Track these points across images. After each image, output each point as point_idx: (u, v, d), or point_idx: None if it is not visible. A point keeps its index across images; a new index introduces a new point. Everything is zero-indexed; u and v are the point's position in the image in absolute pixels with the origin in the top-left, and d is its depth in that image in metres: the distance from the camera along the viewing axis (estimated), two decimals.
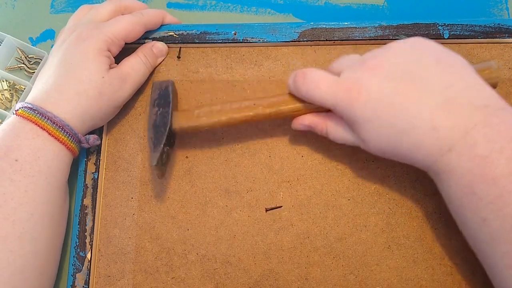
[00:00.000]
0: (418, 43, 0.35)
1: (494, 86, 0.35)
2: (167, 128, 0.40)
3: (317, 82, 0.36)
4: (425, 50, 0.35)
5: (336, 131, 0.38)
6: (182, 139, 0.45)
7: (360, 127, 0.35)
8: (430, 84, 0.33)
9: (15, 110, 0.39)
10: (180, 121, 0.41)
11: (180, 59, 0.47)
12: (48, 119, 0.38)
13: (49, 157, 0.38)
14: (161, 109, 0.41)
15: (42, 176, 0.38)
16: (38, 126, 0.38)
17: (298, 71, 0.38)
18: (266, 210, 0.42)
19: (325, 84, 0.36)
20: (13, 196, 0.36)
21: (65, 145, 0.39)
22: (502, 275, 0.31)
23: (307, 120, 0.39)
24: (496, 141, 0.30)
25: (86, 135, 0.42)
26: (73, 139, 0.40)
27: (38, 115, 0.38)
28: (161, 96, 0.42)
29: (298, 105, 0.39)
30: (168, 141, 0.40)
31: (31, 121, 0.38)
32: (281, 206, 0.42)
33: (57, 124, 0.38)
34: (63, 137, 0.39)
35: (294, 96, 0.39)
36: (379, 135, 0.34)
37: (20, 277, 0.36)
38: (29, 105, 0.38)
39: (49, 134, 0.38)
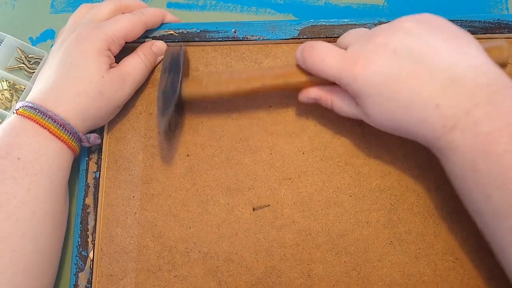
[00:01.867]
0: (426, 19, 0.35)
1: (503, 65, 0.35)
2: (176, 95, 0.40)
3: (324, 56, 0.37)
4: (433, 26, 0.35)
5: (340, 104, 0.39)
6: (183, 136, 0.45)
7: (363, 101, 0.35)
8: (436, 62, 0.33)
9: (16, 109, 0.39)
10: (189, 89, 0.41)
11: None
12: (49, 117, 0.38)
13: (51, 155, 0.38)
14: (171, 75, 0.41)
15: (44, 174, 0.38)
16: (39, 124, 0.38)
17: (306, 44, 0.38)
18: (254, 209, 0.43)
19: (331, 57, 0.36)
20: (16, 195, 0.36)
21: (66, 144, 0.39)
22: (508, 251, 0.31)
23: (313, 93, 0.40)
24: (498, 119, 0.30)
25: (86, 134, 0.42)
26: (74, 137, 0.40)
27: (39, 113, 0.38)
28: (172, 63, 0.42)
29: (305, 77, 0.39)
30: (177, 107, 0.41)
31: (32, 120, 0.38)
32: (269, 205, 0.43)
33: (58, 123, 0.38)
34: (64, 135, 0.39)
35: (301, 69, 0.39)
36: (383, 110, 0.34)
37: (23, 276, 0.36)
38: (30, 104, 0.38)
39: (50, 132, 0.38)
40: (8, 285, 0.35)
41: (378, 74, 0.34)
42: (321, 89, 0.40)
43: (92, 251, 0.43)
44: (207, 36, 0.46)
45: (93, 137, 0.42)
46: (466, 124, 0.31)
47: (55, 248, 0.40)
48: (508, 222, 0.30)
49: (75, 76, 0.40)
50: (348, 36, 0.39)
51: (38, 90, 0.40)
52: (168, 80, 0.41)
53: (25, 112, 0.38)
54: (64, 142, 0.39)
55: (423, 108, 0.32)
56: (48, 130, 0.38)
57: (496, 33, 0.43)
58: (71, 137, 0.40)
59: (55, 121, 0.38)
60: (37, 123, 0.38)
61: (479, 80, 0.32)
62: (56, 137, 0.39)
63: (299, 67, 0.40)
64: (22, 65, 0.52)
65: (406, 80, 0.33)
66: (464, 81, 0.32)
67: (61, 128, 0.39)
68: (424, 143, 0.35)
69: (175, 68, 0.41)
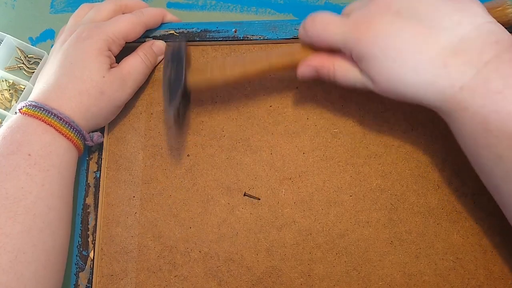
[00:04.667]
0: None
1: (507, 24, 0.35)
2: (182, 83, 0.39)
3: (326, 23, 0.36)
4: None
5: (344, 71, 0.37)
6: (183, 136, 0.45)
7: (369, 65, 0.34)
8: (440, 22, 0.32)
9: (19, 109, 0.39)
10: (195, 77, 0.40)
11: None
12: (54, 115, 0.38)
13: (60, 152, 0.38)
14: (174, 66, 0.41)
15: (55, 170, 0.38)
16: (45, 122, 0.38)
17: (308, 16, 0.38)
18: (244, 194, 0.43)
19: (334, 24, 0.36)
20: (31, 190, 0.36)
21: (72, 142, 0.39)
22: None
23: (314, 61, 0.38)
24: (509, 76, 0.30)
25: (89, 133, 0.42)
26: (79, 135, 0.40)
27: (44, 112, 0.38)
28: (174, 55, 0.41)
29: (310, 53, 0.38)
30: (184, 97, 0.40)
31: (37, 118, 0.38)
32: (259, 199, 0.43)
33: (63, 121, 0.38)
34: (70, 133, 0.39)
35: (306, 46, 0.39)
36: (389, 73, 0.33)
37: (44, 272, 0.36)
38: (34, 103, 0.38)
39: (56, 130, 0.38)
40: (31, 280, 0.35)
41: (383, 35, 0.33)
42: (323, 56, 0.38)
43: (93, 250, 0.43)
44: (207, 36, 0.46)
45: (96, 135, 0.43)
46: (476, 82, 0.30)
47: (68, 244, 0.40)
48: None
49: (76, 76, 0.40)
50: (349, 7, 0.39)
51: (40, 89, 0.40)
52: (172, 71, 0.41)
53: (29, 111, 0.38)
54: (70, 140, 0.39)
55: (431, 68, 0.32)
56: (54, 127, 0.38)
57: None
58: (76, 135, 0.40)
59: (60, 119, 0.38)
60: (42, 121, 0.38)
61: (486, 38, 0.31)
62: (63, 134, 0.39)
63: (303, 45, 0.39)
64: (22, 65, 0.52)
65: (412, 40, 0.32)
66: (471, 39, 0.31)
67: (66, 125, 0.39)
68: (432, 107, 0.34)
69: (177, 59, 0.41)
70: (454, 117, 0.33)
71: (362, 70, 0.36)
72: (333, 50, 0.37)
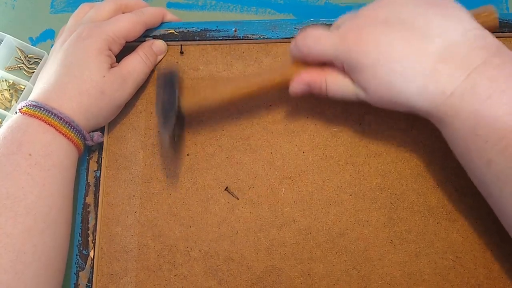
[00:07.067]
0: None
1: (493, 28, 0.35)
2: (176, 104, 0.39)
3: (317, 37, 0.37)
4: None
5: (336, 83, 0.37)
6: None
7: (360, 75, 0.35)
8: (428, 29, 0.33)
9: (19, 109, 0.39)
10: (188, 97, 0.41)
11: (183, 54, 0.47)
12: (54, 115, 0.38)
13: (61, 152, 0.39)
14: (167, 91, 0.41)
15: (56, 170, 0.38)
16: (45, 122, 0.38)
17: (298, 34, 0.38)
18: (226, 189, 0.43)
19: (325, 37, 0.36)
20: (32, 190, 0.36)
21: (72, 141, 0.39)
22: (511, 216, 0.31)
23: (305, 76, 0.38)
24: (497, 81, 0.30)
25: (89, 132, 0.42)
26: (79, 135, 0.40)
27: (44, 111, 0.38)
28: (166, 82, 0.41)
29: (302, 70, 0.39)
30: (178, 120, 0.40)
31: (37, 118, 0.38)
32: (238, 198, 0.43)
33: (63, 120, 0.38)
34: (70, 133, 0.39)
35: (298, 63, 0.39)
36: (380, 82, 0.34)
37: (45, 272, 0.36)
38: (34, 103, 0.38)
39: (57, 130, 0.38)
40: (32, 279, 0.35)
41: (372, 44, 0.34)
42: (315, 71, 0.38)
43: (93, 250, 0.43)
44: (207, 35, 0.46)
45: (97, 135, 0.43)
46: (465, 88, 0.31)
47: (68, 243, 0.40)
48: (509, 186, 0.30)
49: (76, 76, 0.40)
50: (339, 19, 0.39)
51: (40, 89, 0.40)
52: (165, 94, 0.40)
53: (29, 110, 0.38)
54: (70, 140, 0.39)
55: (420, 75, 0.32)
56: (54, 127, 0.38)
57: (495, 32, 0.43)
58: (77, 135, 0.40)
59: (60, 119, 0.38)
60: (43, 121, 0.38)
61: (473, 44, 0.32)
62: (63, 134, 0.39)
63: (295, 63, 0.39)
64: (22, 65, 0.52)
65: (401, 48, 0.33)
66: (459, 45, 0.32)
67: (67, 125, 0.39)
68: (423, 114, 0.34)
69: (170, 83, 0.41)
70: (445, 123, 0.33)
71: (354, 81, 0.36)
72: (324, 65, 0.38)
